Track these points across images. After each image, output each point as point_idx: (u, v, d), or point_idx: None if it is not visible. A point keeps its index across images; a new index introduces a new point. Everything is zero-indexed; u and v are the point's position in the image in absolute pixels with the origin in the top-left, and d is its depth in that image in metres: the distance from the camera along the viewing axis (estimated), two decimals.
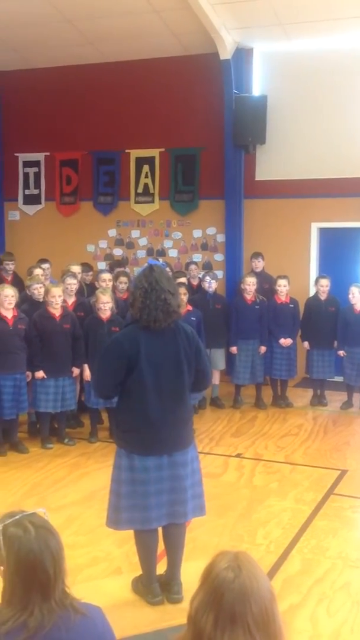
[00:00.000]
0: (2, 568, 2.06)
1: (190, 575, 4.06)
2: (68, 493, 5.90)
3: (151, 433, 3.85)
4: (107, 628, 2.14)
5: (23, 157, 11.41)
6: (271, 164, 9.91)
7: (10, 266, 9.28)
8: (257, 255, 9.47)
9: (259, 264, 9.39)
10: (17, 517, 2.08)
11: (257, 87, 9.88)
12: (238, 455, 6.88)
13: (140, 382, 3.83)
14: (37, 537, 2.03)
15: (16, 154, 11.40)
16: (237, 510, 5.52)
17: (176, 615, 3.91)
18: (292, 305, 8.61)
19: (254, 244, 9.92)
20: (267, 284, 8.97)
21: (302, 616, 3.98)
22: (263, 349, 8.48)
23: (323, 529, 5.15)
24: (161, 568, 4.17)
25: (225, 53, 9.51)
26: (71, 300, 7.72)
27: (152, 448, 3.87)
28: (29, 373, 7.07)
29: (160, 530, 4.04)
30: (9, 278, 9.21)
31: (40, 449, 7.05)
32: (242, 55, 9.75)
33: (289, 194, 9.84)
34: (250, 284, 8.45)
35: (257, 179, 10.03)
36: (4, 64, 10.91)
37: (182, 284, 8.06)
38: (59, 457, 6.86)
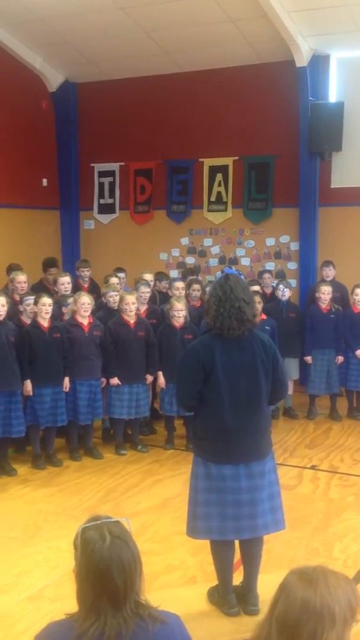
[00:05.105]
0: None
1: (265, 587, 4.00)
2: (142, 500, 5.94)
3: (227, 441, 3.83)
4: (185, 636, 2.12)
5: (98, 167, 11.59)
6: (347, 171, 9.74)
7: (85, 273, 9.40)
8: (327, 263, 9.29)
9: (329, 273, 9.21)
10: (98, 522, 2.08)
11: (333, 94, 9.74)
12: (313, 467, 6.76)
13: (215, 390, 3.82)
14: (111, 546, 2.01)
15: (92, 164, 11.59)
16: (313, 523, 5.43)
17: (252, 627, 3.84)
18: None
19: (329, 252, 9.76)
20: (337, 292, 8.80)
21: None
22: (340, 359, 8.31)
23: None
24: (237, 579, 4.13)
25: (302, 60, 9.42)
26: (143, 308, 7.79)
27: (228, 456, 3.84)
28: (103, 379, 7.17)
29: (236, 541, 4.00)
30: (86, 285, 9.33)
31: (114, 455, 7.12)
32: (319, 62, 9.63)
33: None
34: (325, 293, 8.32)
35: (332, 186, 9.88)
36: (81, 75, 11.14)
37: (256, 292, 8.00)
38: (133, 463, 6.91)
